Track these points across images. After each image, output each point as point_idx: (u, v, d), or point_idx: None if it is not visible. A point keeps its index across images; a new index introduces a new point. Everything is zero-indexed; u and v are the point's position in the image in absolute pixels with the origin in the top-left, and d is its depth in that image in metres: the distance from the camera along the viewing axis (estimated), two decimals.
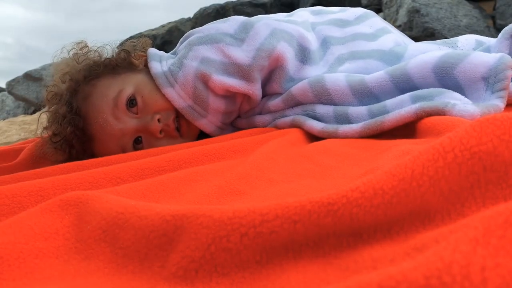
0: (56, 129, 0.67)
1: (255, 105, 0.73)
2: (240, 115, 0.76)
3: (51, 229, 0.31)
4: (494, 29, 1.94)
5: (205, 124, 0.70)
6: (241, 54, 0.67)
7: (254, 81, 0.69)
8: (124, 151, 0.65)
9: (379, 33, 0.76)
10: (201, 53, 0.68)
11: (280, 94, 0.71)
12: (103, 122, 0.65)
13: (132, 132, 0.66)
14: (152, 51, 0.74)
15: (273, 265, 0.24)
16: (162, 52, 0.75)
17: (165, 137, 0.68)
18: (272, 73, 0.71)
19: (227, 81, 0.67)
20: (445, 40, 0.75)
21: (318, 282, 0.22)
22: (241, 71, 0.68)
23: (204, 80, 0.67)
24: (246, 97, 0.71)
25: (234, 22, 0.70)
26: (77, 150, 0.67)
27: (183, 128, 0.71)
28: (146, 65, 0.72)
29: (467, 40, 0.74)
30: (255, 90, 0.70)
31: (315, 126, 0.63)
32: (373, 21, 0.81)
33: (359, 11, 0.84)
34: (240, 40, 0.68)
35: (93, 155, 0.66)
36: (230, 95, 0.70)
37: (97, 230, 0.29)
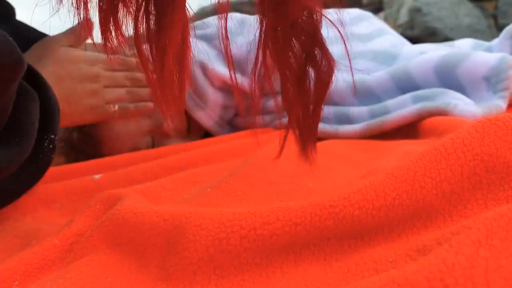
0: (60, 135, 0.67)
1: (248, 98, 0.73)
2: (238, 113, 0.76)
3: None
4: (496, 29, 1.94)
5: (203, 116, 0.70)
6: (235, 48, 0.68)
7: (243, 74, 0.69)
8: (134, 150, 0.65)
9: (374, 34, 0.76)
10: (198, 47, 0.68)
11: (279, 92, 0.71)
12: (114, 126, 0.65)
13: (146, 133, 0.67)
14: None
15: (273, 268, 0.23)
16: None
17: (175, 135, 0.69)
18: None
19: (224, 72, 0.67)
20: (441, 43, 0.75)
21: (319, 285, 0.22)
22: (237, 64, 0.68)
23: (203, 68, 0.68)
24: (243, 92, 0.71)
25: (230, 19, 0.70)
26: (83, 155, 0.67)
27: (191, 127, 0.71)
28: None
29: (464, 42, 0.74)
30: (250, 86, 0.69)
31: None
32: (370, 22, 0.80)
33: (355, 12, 0.83)
34: (236, 35, 0.68)
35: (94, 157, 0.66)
36: (227, 88, 0.70)
37: (93, 227, 0.29)
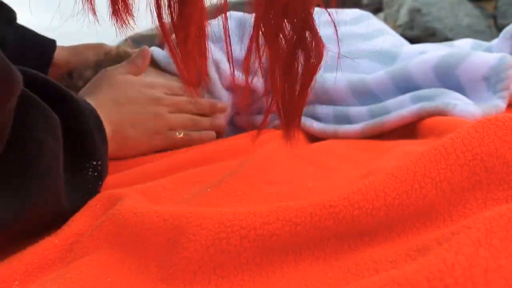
0: None
1: (256, 99, 0.74)
2: (238, 111, 0.77)
3: None
4: (496, 29, 1.94)
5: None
6: (238, 49, 0.68)
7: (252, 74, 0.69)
8: None
9: (375, 33, 0.76)
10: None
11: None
12: None
13: None
14: (157, 49, 0.74)
15: (273, 268, 0.23)
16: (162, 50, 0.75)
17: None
18: None
19: (229, 71, 0.68)
20: (442, 43, 0.75)
21: (319, 285, 0.22)
22: (239, 65, 0.69)
23: (216, 66, 0.69)
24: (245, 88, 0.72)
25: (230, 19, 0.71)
26: None
27: None
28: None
29: (464, 42, 0.74)
30: (253, 83, 0.70)
31: (315, 126, 0.63)
32: (370, 23, 0.80)
33: (355, 12, 0.84)
34: (237, 36, 0.68)
35: None
36: (228, 87, 0.71)
37: (93, 227, 0.29)
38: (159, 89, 0.59)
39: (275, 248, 0.24)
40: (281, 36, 0.28)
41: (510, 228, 0.16)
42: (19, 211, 0.29)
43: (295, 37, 0.28)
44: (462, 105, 0.51)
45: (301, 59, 0.29)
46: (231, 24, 0.31)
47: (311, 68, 0.29)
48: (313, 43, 0.29)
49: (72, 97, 0.37)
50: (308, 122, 0.64)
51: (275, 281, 0.23)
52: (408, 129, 0.55)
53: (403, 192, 0.24)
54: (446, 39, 1.73)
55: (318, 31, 0.29)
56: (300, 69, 0.29)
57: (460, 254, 0.15)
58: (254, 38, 0.28)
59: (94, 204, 0.33)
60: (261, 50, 0.29)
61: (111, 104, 0.50)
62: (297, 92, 0.30)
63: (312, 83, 0.30)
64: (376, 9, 2.13)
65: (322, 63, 0.29)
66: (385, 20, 2.03)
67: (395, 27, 1.93)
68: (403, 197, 0.24)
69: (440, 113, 0.52)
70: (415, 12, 1.95)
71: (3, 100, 0.27)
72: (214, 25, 0.28)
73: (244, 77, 0.32)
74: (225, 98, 0.70)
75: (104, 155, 0.40)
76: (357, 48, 0.71)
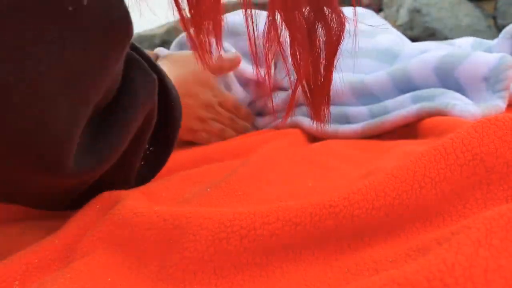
0: None
1: (264, 93, 0.74)
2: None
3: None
4: (495, 29, 1.94)
5: None
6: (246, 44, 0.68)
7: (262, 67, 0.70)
8: None
9: (376, 31, 0.76)
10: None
11: (280, 89, 0.72)
12: None
13: None
14: (162, 49, 0.74)
15: (273, 268, 0.23)
16: (167, 50, 0.75)
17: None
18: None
19: (242, 66, 0.68)
20: (443, 42, 0.75)
21: (319, 285, 0.22)
22: (250, 58, 0.69)
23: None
24: (256, 83, 0.73)
25: (240, 15, 0.71)
26: None
27: None
28: None
29: (464, 41, 0.74)
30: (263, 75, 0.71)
31: (315, 126, 0.63)
32: (371, 21, 0.81)
33: (357, 9, 0.84)
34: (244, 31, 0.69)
35: None
36: (245, 83, 0.71)
37: (93, 227, 0.29)
38: (217, 99, 0.63)
39: (275, 248, 0.24)
40: (298, 13, 0.27)
41: (510, 228, 0.16)
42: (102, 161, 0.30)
43: (312, 13, 0.28)
44: (461, 105, 0.51)
45: (322, 34, 0.28)
46: (238, 19, 0.30)
47: (333, 42, 0.29)
48: (333, 16, 0.28)
49: (161, 70, 0.37)
50: (307, 122, 0.64)
51: (275, 281, 0.23)
52: (408, 129, 0.55)
53: (403, 192, 0.24)
54: (446, 39, 1.73)
55: (337, 4, 0.28)
56: (322, 45, 0.29)
57: (460, 254, 0.15)
58: (271, 21, 0.27)
59: (94, 204, 0.33)
60: (279, 31, 0.28)
61: (173, 75, 0.49)
62: (322, 69, 0.29)
63: (337, 57, 0.29)
64: (375, 10, 2.13)
65: (344, 34, 0.29)
66: (385, 20, 2.03)
67: (394, 28, 1.93)
68: (403, 197, 0.24)
69: (439, 113, 0.52)
70: (415, 12, 1.95)
71: (125, 43, 0.27)
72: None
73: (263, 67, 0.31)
74: (240, 91, 0.71)
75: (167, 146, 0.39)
76: (362, 45, 0.71)
